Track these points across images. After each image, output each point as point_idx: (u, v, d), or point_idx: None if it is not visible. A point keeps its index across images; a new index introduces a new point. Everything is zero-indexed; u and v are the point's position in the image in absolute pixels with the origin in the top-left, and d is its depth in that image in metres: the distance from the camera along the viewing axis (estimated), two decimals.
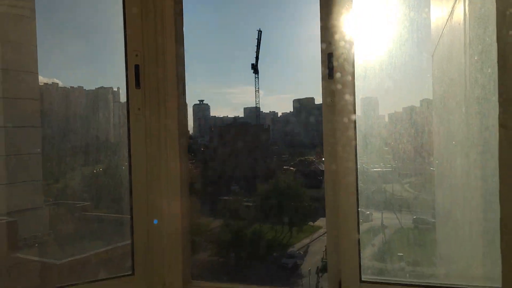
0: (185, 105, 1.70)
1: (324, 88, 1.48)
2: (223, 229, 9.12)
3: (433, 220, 2.06)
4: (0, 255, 2.58)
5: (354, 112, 1.47)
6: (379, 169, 2.31)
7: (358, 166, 1.82)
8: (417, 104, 2.15)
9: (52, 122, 2.97)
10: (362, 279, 1.47)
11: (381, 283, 1.48)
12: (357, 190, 1.47)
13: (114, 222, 2.07)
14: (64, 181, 3.04)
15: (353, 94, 1.47)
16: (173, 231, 1.63)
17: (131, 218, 1.59)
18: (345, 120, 1.47)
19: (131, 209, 1.60)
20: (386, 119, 2.31)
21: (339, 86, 1.46)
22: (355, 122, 1.47)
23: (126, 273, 1.58)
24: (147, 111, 1.64)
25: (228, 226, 9.14)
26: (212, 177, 9.61)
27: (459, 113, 1.56)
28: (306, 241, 8.67)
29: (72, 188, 3.04)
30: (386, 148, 2.00)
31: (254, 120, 10.19)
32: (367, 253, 2.24)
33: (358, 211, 1.48)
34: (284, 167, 8.85)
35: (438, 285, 1.45)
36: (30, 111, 2.73)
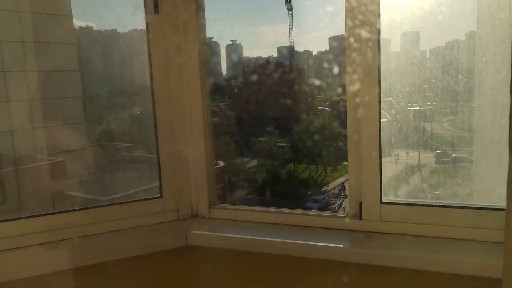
0: (204, 32, 1.70)
1: (346, 23, 1.45)
2: (258, 169, 9.32)
3: (471, 158, 2.02)
4: (52, 193, 2.77)
5: (379, 48, 1.44)
6: (418, 108, 2.24)
7: (396, 106, 1.79)
8: (462, 38, 2.03)
9: (89, 66, 3.02)
10: (383, 201, 1.51)
11: (401, 203, 1.52)
12: (380, 115, 1.47)
13: (154, 161, 2.15)
14: (104, 124, 3.15)
15: (377, 26, 1.42)
16: (198, 159, 1.71)
17: (156, 143, 1.68)
18: (369, 55, 1.44)
19: (156, 135, 1.68)
20: (428, 54, 2.20)
21: (361, 17, 1.41)
22: (379, 59, 1.45)
23: (155, 196, 1.69)
24: (167, 38, 1.65)
25: (263, 166, 9.32)
26: (246, 119, 9.66)
27: (491, 25, 1.46)
28: (340, 180, 8.74)
29: (112, 130, 3.15)
30: (426, 86, 1.95)
31: (288, 60, 9.94)
32: (402, 191, 2.25)
33: (380, 135, 1.48)
34: (319, 107, 8.74)
35: (457, 205, 1.47)
36: (67, 55, 2.79)
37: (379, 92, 1.47)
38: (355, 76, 1.49)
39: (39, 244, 1.54)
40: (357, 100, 1.49)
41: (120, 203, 1.71)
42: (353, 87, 1.50)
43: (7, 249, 1.50)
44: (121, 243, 1.56)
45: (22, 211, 2.17)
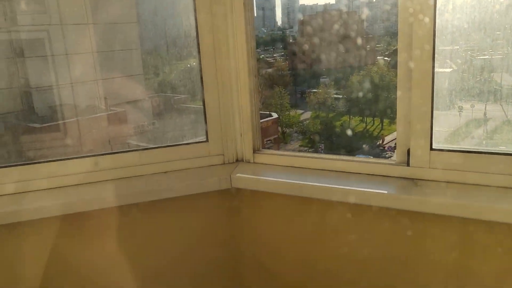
0: None
1: None
2: (312, 121, 9.24)
3: None
4: (114, 142, 2.94)
5: None
6: (487, 57, 2.07)
7: (462, 54, 1.68)
8: None
9: (146, 17, 3.06)
10: (433, 147, 1.44)
11: (454, 150, 1.44)
12: (433, 57, 1.37)
13: None
14: (162, 75, 3.23)
15: None
16: (243, 106, 1.73)
17: (202, 89, 1.71)
18: None
19: (202, 82, 1.71)
20: None
21: None
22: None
23: (201, 140, 1.74)
24: None
25: (317, 118, 9.21)
26: (301, 70, 9.47)
27: None
28: None
29: (169, 81, 3.23)
30: (499, 33, 1.78)
31: (346, 7, 9.45)
32: (465, 145, 2.13)
33: (433, 75, 1.38)
34: (378, 57, 8.33)
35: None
36: (126, 7, 2.84)
37: (434, 31, 1.36)
38: (407, 14, 1.38)
39: (98, 181, 1.66)
40: (409, 40, 1.40)
41: (170, 145, 1.77)
42: (405, 25, 1.40)
43: (70, 185, 1.64)
44: (169, 183, 1.64)
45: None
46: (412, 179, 1.48)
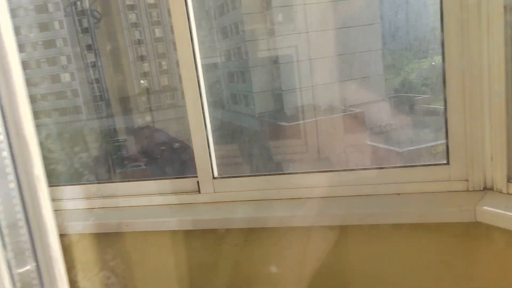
0: None
1: None
2: None
3: None
4: (354, 142, 3.03)
5: None
6: None
7: None
8: None
9: (388, 17, 3.03)
10: None
11: None
12: None
13: None
14: (403, 75, 3.17)
15: None
16: (495, 121, 1.43)
17: (444, 101, 1.50)
18: None
19: (444, 91, 1.51)
20: None
21: None
22: None
23: (440, 162, 1.54)
24: None
25: None
26: None
27: None
28: None
29: (410, 81, 3.14)
30: None
31: None
32: None
33: None
34: None
35: None
36: (369, 9, 2.87)
37: None
38: None
39: (330, 197, 1.68)
40: None
41: (405, 166, 1.65)
42: None
43: (303, 198, 1.73)
44: (402, 208, 1.52)
45: (320, 162, 2.46)
46: None
